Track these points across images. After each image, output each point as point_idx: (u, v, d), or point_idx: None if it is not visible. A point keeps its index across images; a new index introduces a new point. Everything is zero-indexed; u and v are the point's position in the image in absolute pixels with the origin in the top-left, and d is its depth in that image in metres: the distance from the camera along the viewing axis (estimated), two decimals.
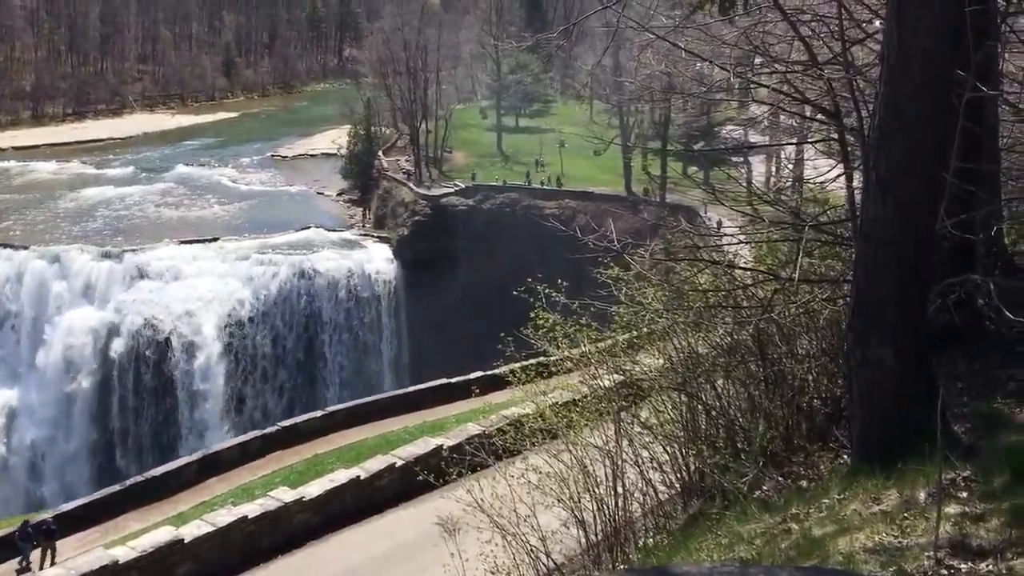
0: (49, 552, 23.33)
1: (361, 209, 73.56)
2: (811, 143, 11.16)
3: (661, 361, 12.40)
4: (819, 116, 10.36)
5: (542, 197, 65.62)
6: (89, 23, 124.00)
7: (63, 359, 53.97)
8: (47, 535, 23.38)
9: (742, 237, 11.72)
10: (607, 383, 12.59)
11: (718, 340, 11.74)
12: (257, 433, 30.39)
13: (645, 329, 12.76)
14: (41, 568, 22.29)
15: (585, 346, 12.77)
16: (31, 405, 54.17)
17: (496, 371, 23.96)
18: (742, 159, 41.48)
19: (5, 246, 58.16)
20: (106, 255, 57.43)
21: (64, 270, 56.15)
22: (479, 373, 30.77)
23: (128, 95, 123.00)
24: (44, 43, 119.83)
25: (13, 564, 22.96)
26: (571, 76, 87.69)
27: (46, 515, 25.04)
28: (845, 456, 8.14)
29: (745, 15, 10.55)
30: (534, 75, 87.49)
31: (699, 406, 11.70)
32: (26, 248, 57.78)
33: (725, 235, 11.89)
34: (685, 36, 10.83)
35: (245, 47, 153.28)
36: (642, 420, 12.04)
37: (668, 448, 11.66)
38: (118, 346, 54.37)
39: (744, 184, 13.45)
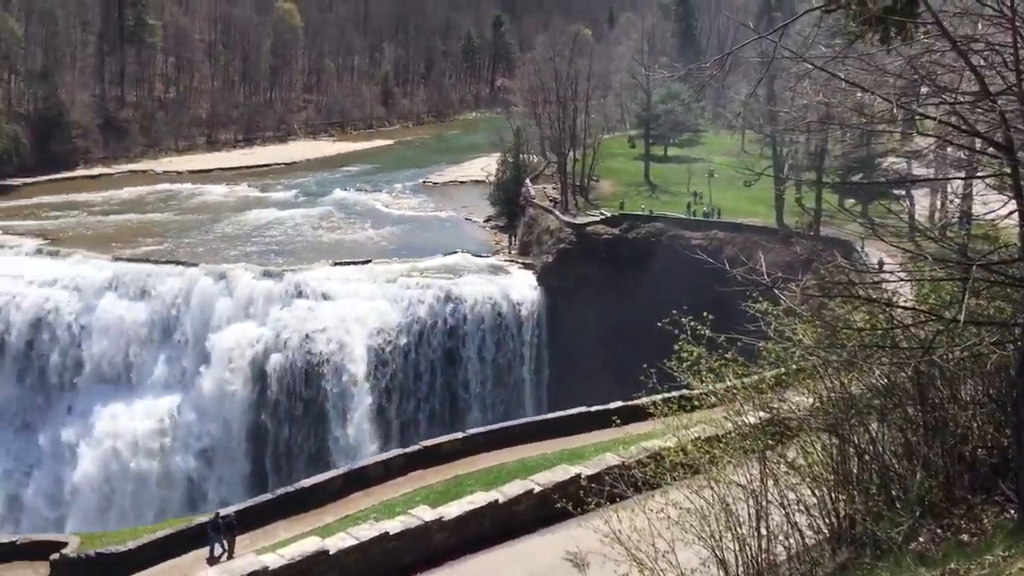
0: (229, 544, 25.07)
1: (507, 236, 74.64)
2: (981, 177, 10.58)
3: (811, 400, 11.98)
4: (990, 149, 9.82)
5: (689, 227, 64.74)
6: (261, 55, 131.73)
7: (224, 370, 57.00)
8: (227, 529, 25.13)
9: (903, 274, 11.21)
10: (753, 420, 12.26)
11: (873, 381, 11.25)
12: (400, 451, 31.10)
13: (794, 366, 12.36)
14: (228, 558, 24.10)
15: (730, 381, 12.48)
16: (192, 413, 57.38)
17: (637, 402, 23.72)
18: (904, 193, 39.64)
19: (177, 263, 62.17)
20: (267, 274, 60.43)
21: (229, 287, 59.40)
22: (619, 403, 30.54)
23: (293, 123, 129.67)
24: (220, 74, 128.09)
25: (204, 552, 24.78)
26: (723, 105, 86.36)
27: (229, 510, 26.74)
28: (1011, 511, 7.62)
29: (910, 44, 10.16)
30: (685, 104, 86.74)
31: (851, 449, 11.24)
32: (195, 265, 61.55)
33: (884, 271, 11.40)
34: (845, 66, 10.52)
35: (402, 77, 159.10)
36: (789, 460, 11.65)
37: (816, 491, 11.24)
38: (274, 360, 56.99)
39: (906, 219, 12.88)
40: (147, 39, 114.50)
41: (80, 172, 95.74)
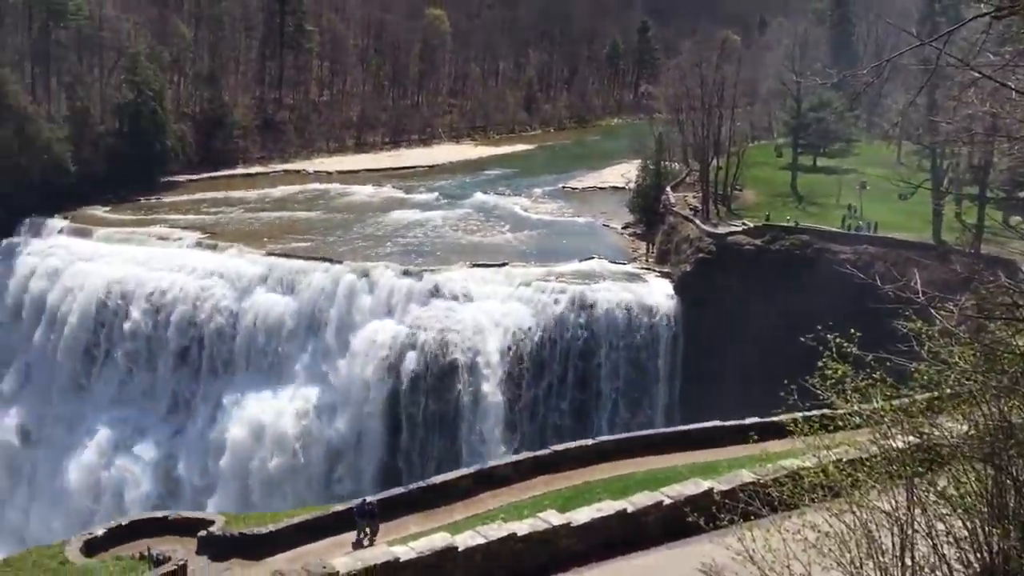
0: (372, 530, 26.06)
1: (645, 243, 73.96)
2: None
3: (965, 427, 11.31)
4: None
5: (837, 241, 62.34)
6: (410, 60, 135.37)
7: (362, 365, 58.86)
8: (371, 515, 26.14)
9: None
10: (900, 444, 11.68)
11: None
12: (530, 454, 31.27)
13: (949, 391, 11.71)
14: (370, 543, 25.11)
15: (878, 402, 11.93)
16: (332, 405, 59.53)
17: (774, 418, 23.00)
18: None
19: (324, 260, 64.68)
20: (407, 273, 62.06)
21: (371, 284, 61.35)
22: (755, 419, 29.68)
23: (438, 126, 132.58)
24: (371, 78, 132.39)
25: (339, 539, 25.87)
26: (879, 114, 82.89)
27: (374, 497, 27.75)
28: None
29: None
30: (837, 113, 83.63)
31: (1008, 481, 10.55)
32: (340, 263, 63.86)
33: None
34: (1015, 75, 9.93)
35: (546, 83, 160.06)
36: (939, 489, 11.03)
37: (968, 523, 10.60)
38: (411, 358, 58.43)
39: None
40: (305, 44, 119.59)
41: (239, 170, 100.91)
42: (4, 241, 72.39)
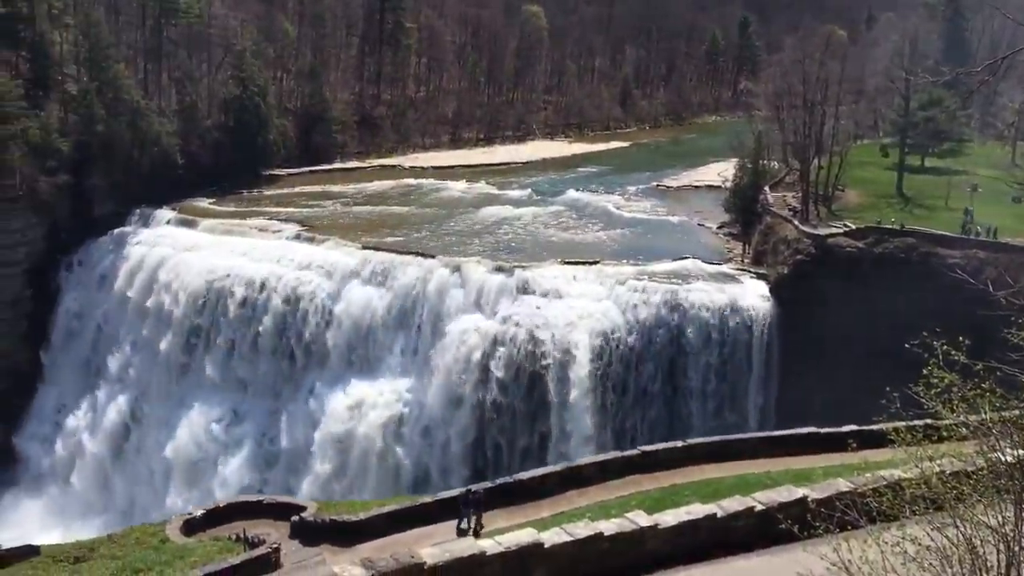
0: (476, 519, 26.48)
1: (741, 244, 72.52)
2: None
3: None
4: None
5: (945, 244, 59.90)
6: (506, 57, 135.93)
7: (454, 359, 59.41)
8: (475, 504, 26.56)
9: None
10: (1009, 458, 11.13)
11: None
12: (618, 454, 31.06)
13: None
14: (474, 533, 25.57)
15: (986, 413, 11.38)
16: (423, 397, 60.24)
17: (875, 427, 22.24)
18: None
19: (417, 254, 65.51)
20: (499, 269, 62.32)
21: (463, 279, 61.84)
22: (853, 427, 28.76)
23: (532, 123, 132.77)
24: (467, 75, 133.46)
25: (426, 530, 26.29)
26: (993, 114, 79.35)
27: (480, 486, 28.10)
28: None
29: None
30: (949, 112, 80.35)
31: None
32: (433, 257, 64.56)
33: None
34: None
35: (643, 79, 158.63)
36: None
37: None
38: (501, 353, 58.68)
39: None
40: (403, 41, 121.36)
41: (337, 165, 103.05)
42: (116, 230, 75.58)
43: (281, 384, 64.95)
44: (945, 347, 11.96)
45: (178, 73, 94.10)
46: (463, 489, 28.01)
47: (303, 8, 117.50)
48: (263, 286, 65.42)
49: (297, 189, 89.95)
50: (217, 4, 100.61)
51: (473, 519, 26.57)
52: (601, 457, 31.50)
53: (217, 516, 31.12)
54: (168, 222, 75.44)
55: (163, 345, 67.60)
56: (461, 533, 25.88)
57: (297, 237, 70.46)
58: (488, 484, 29.44)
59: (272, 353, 65.02)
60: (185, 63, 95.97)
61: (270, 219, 75.78)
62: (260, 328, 65.00)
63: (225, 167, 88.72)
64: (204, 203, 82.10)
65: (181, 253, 70.07)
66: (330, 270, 64.92)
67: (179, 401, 66.33)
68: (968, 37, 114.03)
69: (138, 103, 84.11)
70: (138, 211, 77.28)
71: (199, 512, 31.64)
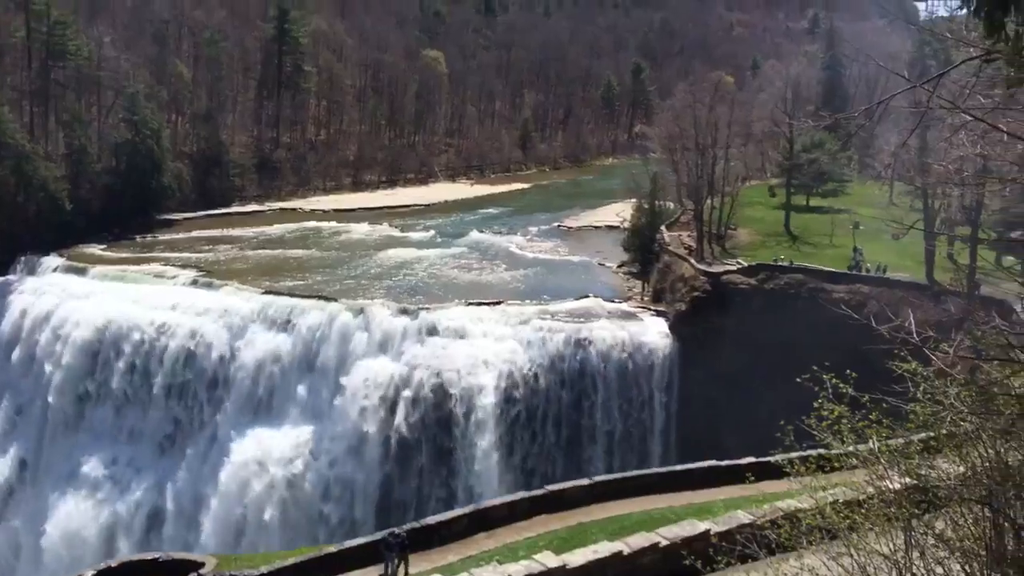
0: (404, 563, 25.77)
1: (640, 282, 74.07)
2: None
3: (962, 469, 11.28)
4: None
5: (831, 280, 62.49)
6: (407, 100, 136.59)
7: (358, 404, 58.59)
8: (400, 547, 25.85)
9: None
10: (897, 486, 11.64)
11: None
12: (526, 494, 31.03)
13: (945, 432, 11.69)
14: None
15: (874, 443, 11.90)
16: (326, 444, 59.10)
17: (771, 459, 22.92)
18: None
19: (319, 297, 64.65)
20: (403, 311, 61.99)
21: (367, 322, 61.25)
22: (751, 459, 29.54)
23: (434, 165, 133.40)
24: (368, 118, 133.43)
25: (376, 570, 25.50)
26: (871, 156, 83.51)
27: (403, 528, 27.40)
28: None
29: None
30: (830, 154, 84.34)
31: (1006, 524, 10.49)
32: (336, 300, 63.81)
33: None
34: (1006, 117, 10.07)
35: (541, 123, 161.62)
36: (937, 532, 10.97)
37: (967, 567, 10.53)
38: (407, 396, 58.20)
39: None
40: (302, 84, 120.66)
41: (235, 208, 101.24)
42: None
43: (179, 435, 62.77)
44: (834, 380, 12.47)
45: (66, 116, 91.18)
46: (385, 532, 27.38)
47: (198, 50, 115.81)
48: (159, 334, 63.37)
49: (194, 234, 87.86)
50: (108, 46, 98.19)
51: (397, 563, 26.06)
52: (509, 498, 31.42)
53: None
54: (56, 270, 72.54)
55: (52, 398, 64.57)
56: None
57: (194, 283, 68.64)
58: (380, 534, 28.91)
59: (169, 403, 62.86)
60: (74, 106, 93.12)
61: (166, 265, 73.71)
62: (156, 378, 62.83)
63: (117, 212, 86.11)
64: (95, 249, 79.36)
65: (70, 301, 67.33)
66: (229, 316, 63.38)
67: (69, 456, 63.30)
68: (846, 83, 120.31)
69: (24, 147, 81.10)
70: (23, 259, 74.15)
71: (90, 573, 30.11)
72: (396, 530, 27.12)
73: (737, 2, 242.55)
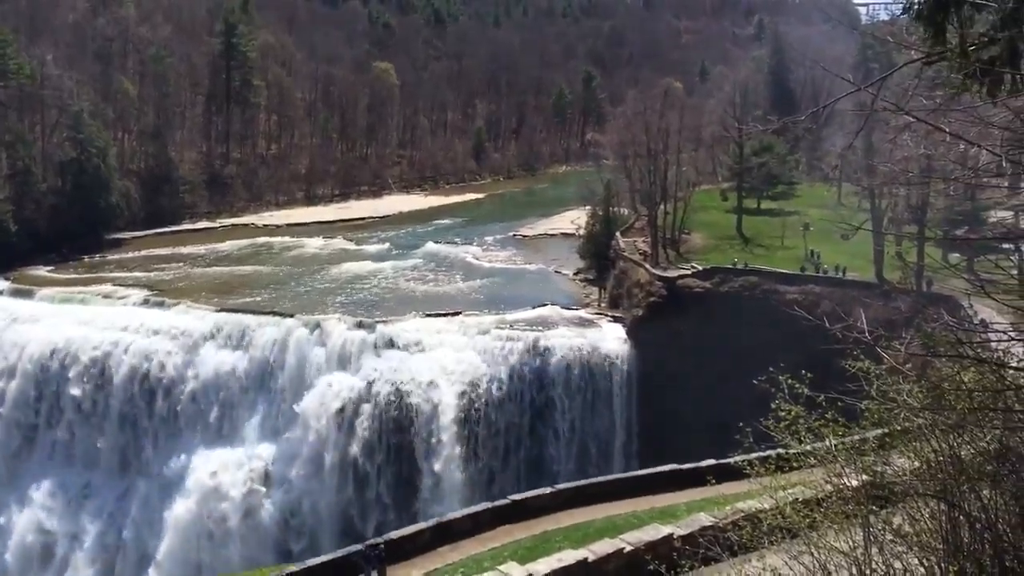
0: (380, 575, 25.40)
1: (597, 288, 74.43)
2: None
3: (917, 464, 11.47)
4: None
5: (784, 281, 63.38)
6: (358, 113, 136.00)
7: (317, 419, 57.97)
8: (378, 560, 25.55)
9: (1014, 333, 10.70)
10: (854, 483, 11.79)
11: (984, 445, 10.70)
12: (488, 505, 30.88)
13: (899, 428, 11.87)
14: None
15: (831, 442, 12.05)
16: (286, 462, 58.37)
17: (731, 460, 23.11)
18: (1013, 247, 37.93)
19: (274, 313, 63.92)
20: (360, 325, 61.53)
21: (323, 337, 60.68)
22: (711, 461, 29.72)
23: (387, 177, 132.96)
24: (319, 131, 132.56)
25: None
26: (818, 158, 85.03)
27: (378, 540, 27.05)
28: None
29: (1017, 95, 9.85)
30: (778, 157, 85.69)
31: (961, 517, 10.67)
32: (291, 316, 63.15)
33: (994, 331, 10.93)
34: (948, 118, 10.27)
35: (494, 132, 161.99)
36: (894, 527, 11.13)
37: (924, 561, 10.68)
38: (365, 410, 57.74)
39: (1016, 275, 12.36)
40: (252, 99, 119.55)
41: (186, 226, 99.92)
42: None
43: (132, 459, 61.56)
44: (790, 381, 12.61)
45: (9, 136, 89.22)
46: (362, 545, 27.15)
47: (144, 67, 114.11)
48: (109, 355, 62.14)
49: (144, 252, 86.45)
50: (50, 64, 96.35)
51: (376, 575, 25.82)
52: (471, 509, 31.25)
53: None
54: (1, 293, 70.86)
55: (0, 424, 62.97)
56: None
57: (145, 302, 67.47)
58: (343, 552, 28.59)
59: (121, 426, 61.60)
60: (16, 126, 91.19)
61: (116, 285, 72.37)
62: (107, 400, 61.59)
63: (64, 232, 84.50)
64: (42, 271, 77.74)
65: (17, 325, 65.76)
66: (182, 335, 62.37)
67: (18, 484, 61.72)
68: (793, 88, 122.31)
69: None
70: None
71: None
72: (373, 542, 26.90)
73: (685, 9, 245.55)
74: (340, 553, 28.32)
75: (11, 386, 63.11)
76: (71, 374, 62.21)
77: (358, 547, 27.09)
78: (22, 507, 60.60)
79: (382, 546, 26.44)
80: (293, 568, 28.16)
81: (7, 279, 72.93)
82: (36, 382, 62.95)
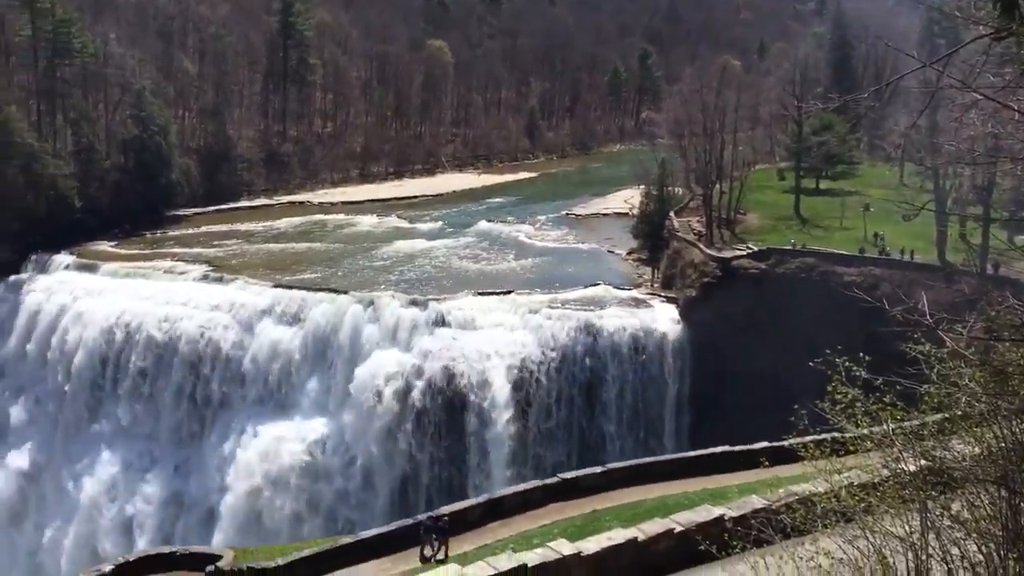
0: (443, 547, 26.34)
1: (650, 269, 73.94)
2: None
3: (977, 449, 11.23)
4: None
5: (842, 263, 62.27)
6: (412, 91, 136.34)
7: (370, 395, 58.71)
8: (439, 531, 26.42)
9: None
10: (912, 468, 11.59)
11: None
12: (539, 483, 31.12)
13: (959, 413, 11.63)
14: (437, 560, 25.61)
15: (888, 426, 11.84)
16: (339, 436, 59.29)
17: (785, 443, 22.86)
18: None
19: (329, 290, 64.74)
20: (413, 302, 62.02)
21: (376, 314, 61.32)
22: (764, 444, 29.56)
23: (441, 156, 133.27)
24: (374, 109, 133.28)
25: (394, 559, 26.16)
26: (880, 137, 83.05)
27: (442, 511, 27.94)
28: None
29: None
30: (839, 136, 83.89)
31: (1022, 504, 10.45)
32: (345, 293, 63.90)
33: None
34: (1016, 96, 9.98)
35: (548, 110, 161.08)
36: (953, 513, 10.93)
37: (983, 547, 10.48)
38: (418, 387, 58.29)
39: None
40: (308, 77, 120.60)
41: (244, 203, 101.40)
42: (11, 277, 72.70)
43: (192, 429, 63.09)
44: (847, 363, 12.39)
45: (74, 114, 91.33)
46: (424, 516, 27.77)
47: (203, 45, 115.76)
48: (170, 330, 63.62)
49: (203, 229, 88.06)
50: (113, 43, 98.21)
51: (438, 546, 26.30)
52: (522, 487, 31.50)
53: (127, 571, 29.87)
54: (67, 267, 72.86)
55: (66, 394, 65.00)
56: (424, 561, 25.61)
57: (205, 278, 68.83)
58: (394, 525, 29.10)
59: (181, 398, 63.15)
60: (81, 104, 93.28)
61: (176, 260, 73.92)
62: (169, 372, 63.12)
63: (127, 209, 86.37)
64: (105, 246, 79.68)
65: (82, 299, 67.66)
66: (239, 310, 63.57)
67: (84, 451, 63.72)
68: (855, 65, 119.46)
69: (32, 146, 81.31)
70: (34, 257, 74.52)
71: (108, 568, 30.31)
72: (436, 513, 27.47)
73: None
74: (384, 529, 28.78)
75: (76, 359, 64.99)
76: (134, 347, 63.85)
77: (419, 518, 27.58)
78: (87, 474, 62.54)
79: (446, 517, 26.89)
80: (347, 540, 28.70)
81: (72, 254, 74.86)
82: (100, 355, 64.73)
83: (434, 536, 26.40)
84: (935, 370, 11.64)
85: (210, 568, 27.93)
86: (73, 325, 65.99)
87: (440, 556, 26.03)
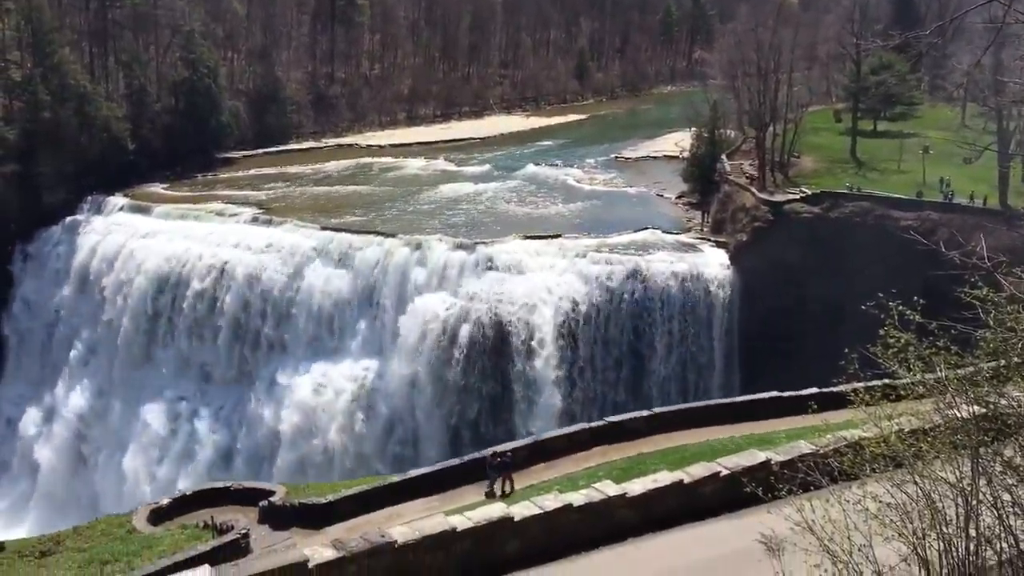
0: (508, 481, 26.86)
1: (700, 212, 72.98)
2: None
3: None
4: None
5: (898, 207, 60.86)
6: (460, 32, 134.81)
7: (418, 337, 59.30)
8: (503, 467, 26.91)
9: None
10: (965, 414, 11.38)
11: None
12: (585, 425, 31.27)
13: (1016, 359, 11.35)
14: (503, 494, 26.22)
15: (942, 371, 11.61)
16: (388, 377, 60.12)
17: (834, 389, 22.62)
18: None
19: (377, 233, 65.10)
20: (460, 246, 62.16)
21: (423, 257, 61.62)
22: (814, 389, 29.26)
23: (489, 98, 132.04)
24: (422, 51, 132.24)
25: (397, 509, 26.34)
26: (942, 76, 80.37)
27: (507, 448, 28.47)
28: None
29: None
30: (899, 76, 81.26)
31: None
32: (393, 236, 64.20)
33: None
34: None
35: (598, 51, 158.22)
36: (1005, 459, 10.74)
37: None
38: (465, 330, 58.68)
39: None
40: (356, 18, 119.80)
41: (292, 145, 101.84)
42: (68, 219, 74.27)
43: (244, 369, 64.46)
44: (900, 307, 12.12)
45: (125, 56, 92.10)
46: (489, 451, 28.23)
47: None
48: (222, 271, 64.70)
49: (252, 171, 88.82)
50: None
51: (501, 481, 26.78)
52: (568, 429, 31.72)
53: (184, 504, 30.87)
54: (121, 209, 74.20)
55: (121, 334, 66.71)
56: (489, 496, 26.09)
57: (255, 220, 69.63)
58: (440, 465, 29.53)
59: (233, 338, 64.45)
60: (132, 46, 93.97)
61: (226, 203, 74.81)
62: (221, 313, 64.36)
63: (177, 151, 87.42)
64: (158, 188, 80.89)
65: (136, 240, 69.01)
66: (289, 252, 64.33)
67: (140, 390, 65.57)
68: (916, 1, 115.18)
69: (85, 88, 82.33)
70: (89, 198, 75.98)
71: (166, 501, 31.36)
72: (500, 449, 27.91)
73: None
74: (431, 468, 29.22)
75: (130, 300, 66.53)
76: (187, 288, 65.13)
77: (483, 453, 28.02)
78: (144, 414, 64.38)
79: (509, 453, 27.27)
80: (395, 479, 29.25)
81: (126, 196, 76.14)
82: (153, 295, 66.18)
83: (498, 473, 26.85)
84: (992, 315, 11.34)
85: (264, 503, 28.72)
86: (128, 266, 67.40)
87: (507, 490, 26.46)
